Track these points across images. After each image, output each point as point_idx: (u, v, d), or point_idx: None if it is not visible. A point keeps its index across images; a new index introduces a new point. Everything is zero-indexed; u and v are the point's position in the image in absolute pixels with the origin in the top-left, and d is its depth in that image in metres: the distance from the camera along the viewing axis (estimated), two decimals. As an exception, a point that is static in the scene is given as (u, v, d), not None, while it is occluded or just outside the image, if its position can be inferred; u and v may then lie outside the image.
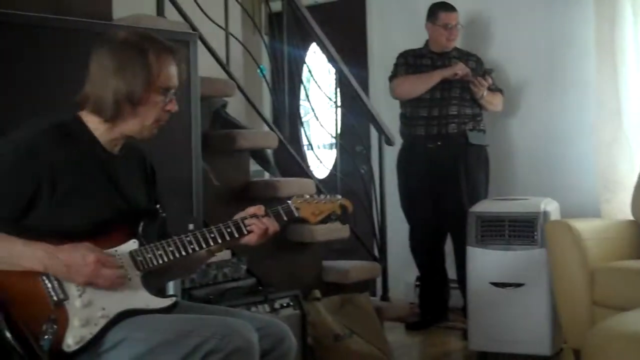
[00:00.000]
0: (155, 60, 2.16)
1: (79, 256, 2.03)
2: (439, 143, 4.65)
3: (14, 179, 2.04)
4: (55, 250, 2.02)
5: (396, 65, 4.80)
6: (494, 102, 4.71)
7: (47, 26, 2.91)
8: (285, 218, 2.32)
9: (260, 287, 3.58)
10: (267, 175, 4.87)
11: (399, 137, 4.87)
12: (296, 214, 2.34)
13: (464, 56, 4.76)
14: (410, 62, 4.76)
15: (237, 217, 2.29)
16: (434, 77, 4.64)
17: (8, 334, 1.96)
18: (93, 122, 2.20)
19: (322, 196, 2.41)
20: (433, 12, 4.76)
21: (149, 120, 2.21)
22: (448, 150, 4.64)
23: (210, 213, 3.38)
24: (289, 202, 2.35)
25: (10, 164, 2.05)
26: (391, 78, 4.80)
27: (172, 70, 2.21)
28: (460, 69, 4.62)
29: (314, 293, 3.88)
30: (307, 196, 2.39)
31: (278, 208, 2.32)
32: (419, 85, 4.66)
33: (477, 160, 4.69)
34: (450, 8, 4.74)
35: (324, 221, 2.41)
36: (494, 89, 4.71)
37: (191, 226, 3.28)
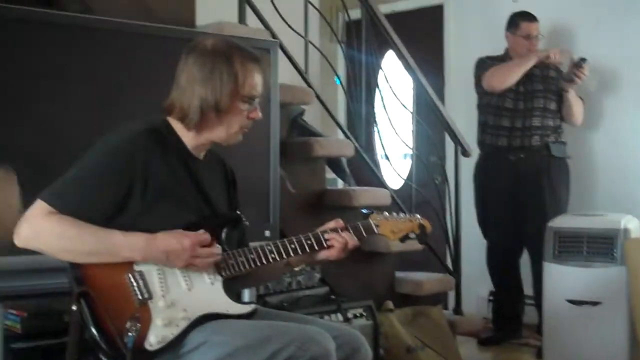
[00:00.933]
0: (242, 68, 2.18)
1: (175, 242, 2.08)
2: (522, 155, 4.57)
3: (109, 178, 2.08)
4: (152, 238, 2.07)
5: (482, 62, 4.70)
6: (576, 107, 4.59)
7: (132, 32, 2.97)
8: (364, 234, 2.32)
9: (333, 296, 3.58)
10: (340, 184, 4.88)
11: (476, 147, 4.81)
12: (376, 231, 2.35)
13: (545, 66, 4.66)
14: (495, 64, 4.67)
15: (317, 230, 2.30)
16: (531, 60, 4.51)
17: (93, 329, 2.01)
18: (180, 128, 2.23)
19: (401, 214, 2.41)
20: (514, 22, 4.68)
21: (234, 128, 2.24)
22: (531, 163, 4.55)
23: (285, 220, 3.40)
24: (369, 218, 2.35)
25: (105, 163, 2.09)
26: (480, 73, 4.67)
27: (257, 78, 2.23)
28: (555, 52, 4.51)
29: (386, 304, 3.87)
30: (387, 213, 2.39)
31: (358, 224, 2.32)
32: (516, 69, 4.51)
33: (560, 174, 4.59)
34: (532, 18, 4.65)
35: (402, 240, 2.39)
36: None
37: (267, 233, 3.32)
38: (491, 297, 4.95)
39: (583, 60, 4.43)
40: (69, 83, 2.82)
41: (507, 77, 4.53)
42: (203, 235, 2.12)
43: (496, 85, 4.58)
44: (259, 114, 2.27)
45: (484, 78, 4.62)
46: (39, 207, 2.04)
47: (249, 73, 2.20)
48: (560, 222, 4.15)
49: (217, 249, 2.14)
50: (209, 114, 2.18)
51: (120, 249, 2.05)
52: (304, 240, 2.25)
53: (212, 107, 2.17)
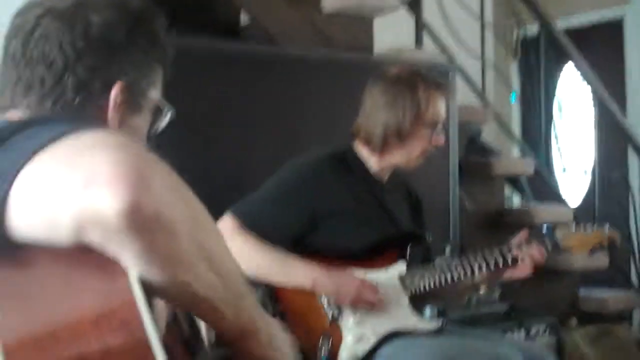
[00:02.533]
0: (425, 96, 2.26)
1: (346, 276, 2.17)
2: None
3: (296, 202, 2.22)
4: (325, 270, 2.17)
5: None
6: None
7: (314, 59, 3.13)
8: (550, 248, 2.27)
9: (514, 313, 3.55)
10: (517, 200, 4.84)
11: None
12: (562, 245, 2.28)
13: None
14: None
15: (502, 246, 2.27)
16: None
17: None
18: (365, 152, 2.34)
19: (588, 226, 2.33)
20: None
21: (416, 153, 2.32)
22: None
23: (465, 239, 3.44)
24: (555, 232, 2.29)
25: (293, 188, 2.23)
26: None
27: (440, 105, 2.30)
28: None
29: (570, 322, 3.80)
30: (573, 226, 2.33)
31: (544, 238, 2.28)
32: None
33: None
34: None
35: (589, 253, 2.33)
36: None
37: (447, 251, 3.37)
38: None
39: None
40: (255, 110, 2.98)
41: None
42: (372, 283, 2.18)
43: None
44: (441, 140, 2.32)
45: None
46: (228, 221, 2.18)
47: (431, 100, 2.27)
48: None
49: (381, 297, 2.18)
50: (392, 139, 2.28)
51: (293, 273, 2.15)
52: (489, 257, 2.23)
53: (395, 132, 2.27)
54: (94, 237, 0.78)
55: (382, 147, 2.29)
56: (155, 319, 0.80)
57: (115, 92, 1.09)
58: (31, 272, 0.83)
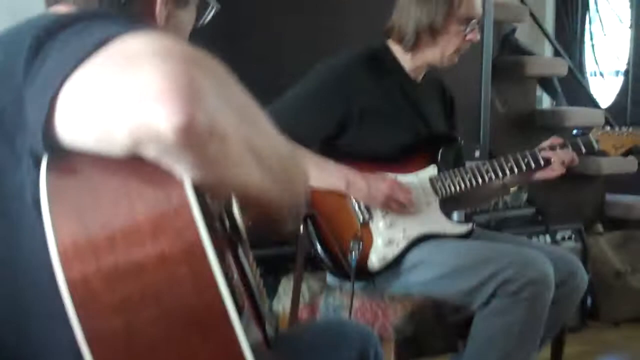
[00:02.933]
0: None
1: (379, 177, 2.14)
2: None
3: (328, 102, 2.16)
4: (357, 172, 2.14)
5: None
6: None
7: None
8: (583, 150, 2.21)
9: (540, 217, 3.52)
10: (547, 102, 4.74)
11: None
12: (596, 147, 2.23)
13: None
14: None
15: (534, 149, 2.23)
16: None
17: (320, 248, 2.13)
18: (398, 51, 2.27)
19: (624, 128, 2.28)
20: None
21: (450, 50, 2.23)
22: None
23: (494, 140, 3.38)
24: (590, 133, 2.24)
25: (325, 87, 2.17)
26: None
27: (474, 0, 2.20)
28: None
29: (595, 227, 3.78)
30: (608, 128, 2.29)
31: (577, 139, 2.23)
32: None
33: None
34: None
35: (624, 155, 2.28)
36: None
37: (477, 153, 3.31)
38: None
39: None
40: (289, 8, 2.91)
41: None
42: (403, 185, 2.15)
43: None
44: (476, 36, 2.24)
45: None
46: None
47: None
48: None
49: (412, 198, 2.15)
50: (424, 35, 2.20)
51: (329, 175, 2.12)
52: (520, 159, 2.20)
53: (427, 29, 2.18)
54: (149, 152, 0.77)
55: (414, 44, 2.22)
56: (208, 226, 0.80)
57: None
58: (84, 179, 0.82)
